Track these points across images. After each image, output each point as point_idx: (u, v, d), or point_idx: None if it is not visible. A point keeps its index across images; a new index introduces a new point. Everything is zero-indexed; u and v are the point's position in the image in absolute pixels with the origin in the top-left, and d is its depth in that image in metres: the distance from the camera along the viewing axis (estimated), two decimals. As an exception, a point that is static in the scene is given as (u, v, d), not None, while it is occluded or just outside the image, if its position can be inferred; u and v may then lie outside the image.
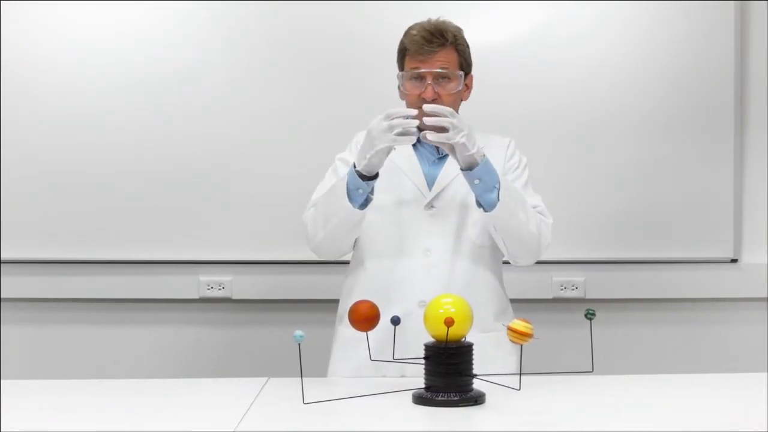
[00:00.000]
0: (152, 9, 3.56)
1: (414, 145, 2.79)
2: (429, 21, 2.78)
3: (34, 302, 3.62)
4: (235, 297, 3.60)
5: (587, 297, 3.58)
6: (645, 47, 3.57)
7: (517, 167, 2.86)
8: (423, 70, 2.72)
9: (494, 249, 2.81)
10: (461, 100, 2.82)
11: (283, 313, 3.59)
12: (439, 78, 2.72)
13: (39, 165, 3.56)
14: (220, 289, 3.61)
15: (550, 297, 3.60)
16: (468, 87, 2.83)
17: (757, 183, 3.60)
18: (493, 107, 3.50)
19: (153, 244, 3.58)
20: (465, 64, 2.79)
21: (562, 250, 3.51)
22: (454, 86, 2.74)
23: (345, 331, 2.77)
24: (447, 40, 2.73)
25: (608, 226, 3.58)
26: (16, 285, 3.58)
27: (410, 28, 2.78)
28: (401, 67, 2.79)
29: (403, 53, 2.78)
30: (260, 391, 2.44)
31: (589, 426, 2.12)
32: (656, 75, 3.57)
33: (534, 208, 2.80)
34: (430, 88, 2.70)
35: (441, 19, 2.79)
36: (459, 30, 2.80)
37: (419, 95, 2.70)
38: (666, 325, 3.63)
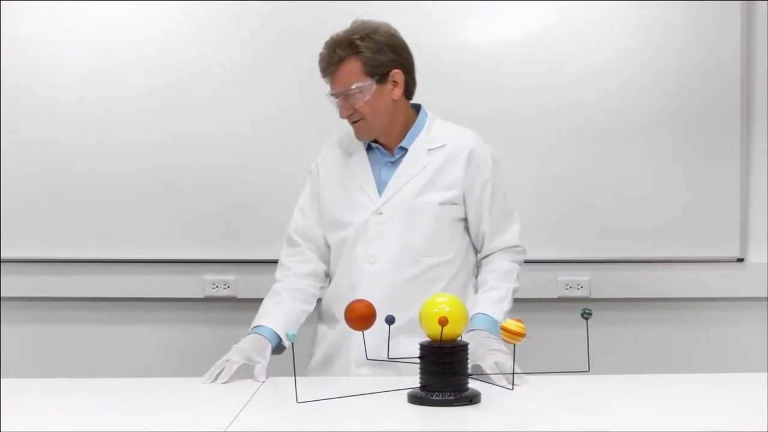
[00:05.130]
0: (153, 9, 3.57)
1: (368, 148, 2.81)
2: (337, 33, 2.73)
3: (34, 301, 3.63)
4: (240, 296, 3.59)
5: (592, 296, 3.56)
6: (651, 47, 3.55)
7: (494, 191, 2.79)
8: (332, 92, 2.73)
9: (453, 261, 2.78)
10: (392, 100, 2.75)
11: (287, 312, 3.58)
12: (345, 94, 2.70)
13: (39, 164, 3.57)
14: (225, 288, 3.60)
15: (556, 296, 3.58)
16: (397, 83, 2.73)
17: (763, 182, 3.57)
18: (499, 106, 3.49)
19: (157, 243, 3.59)
20: (373, 68, 2.69)
21: (567, 250, 3.50)
22: (362, 98, 2.70)
23: (322, 328, 2.87)
24: (341, 56, 2.68)
25: (614, 225, 3.56)
26: (17, 284, 3.58)
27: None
28: None
29: None
30: (257, 390, 2.43)
31: (583, 426, 2.10)
32: (662, 74, 3.55)
33: (510, 248, 2.80)
34: (342, 108, 2.72)
35: (357, 22, 2.74)
36: (366, 31, 2.71)
37: (340, 112, 2.74)
38: (671, 325, 3.61)
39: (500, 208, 2.80)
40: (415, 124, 2.81)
